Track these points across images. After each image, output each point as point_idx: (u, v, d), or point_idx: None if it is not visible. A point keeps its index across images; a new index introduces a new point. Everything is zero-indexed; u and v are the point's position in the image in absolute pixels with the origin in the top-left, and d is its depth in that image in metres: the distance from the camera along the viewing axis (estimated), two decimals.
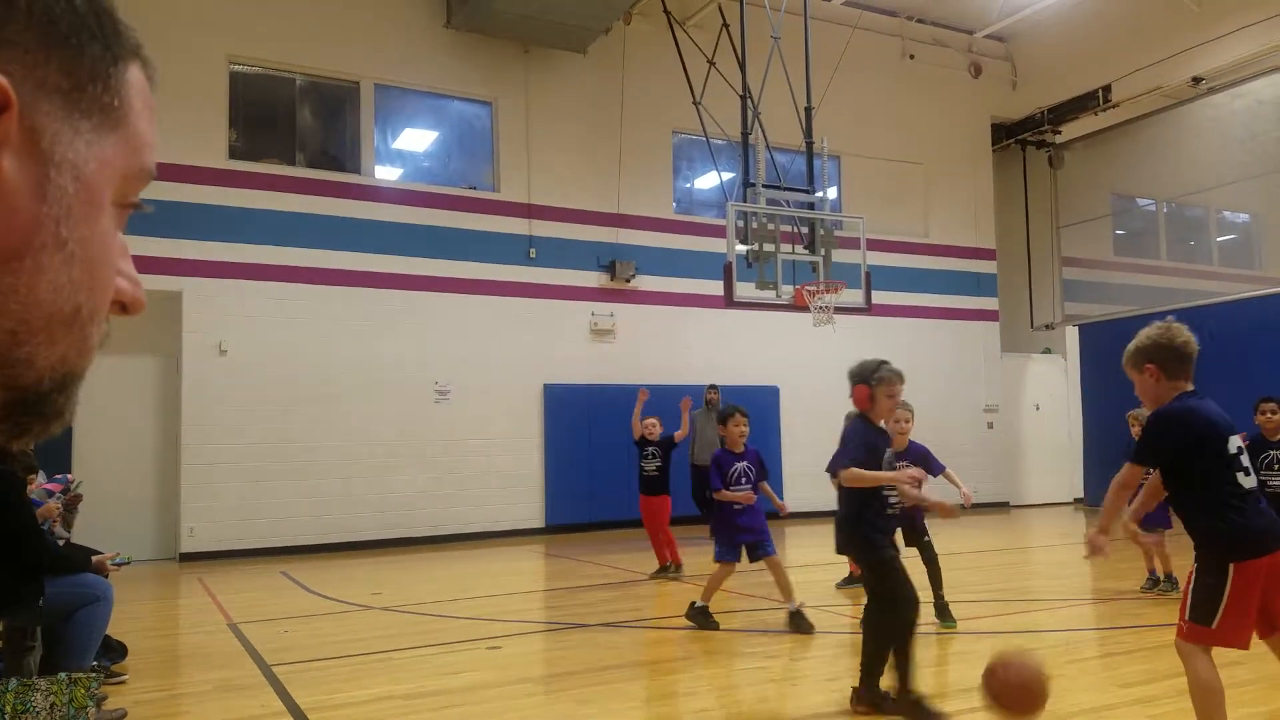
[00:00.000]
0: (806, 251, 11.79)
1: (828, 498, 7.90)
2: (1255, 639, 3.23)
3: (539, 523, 13.59)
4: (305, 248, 12.57)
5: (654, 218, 14.99)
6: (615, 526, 13.32)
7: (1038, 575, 9.99)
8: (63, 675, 3.83)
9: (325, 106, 13.68)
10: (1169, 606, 6.85)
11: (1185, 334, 3.40)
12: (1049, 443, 18.01)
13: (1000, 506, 16.86)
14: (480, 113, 14.29)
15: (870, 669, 4.43)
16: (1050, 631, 6.18)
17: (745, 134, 12.12)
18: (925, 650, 5.74)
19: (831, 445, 4.80)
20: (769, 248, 11.20)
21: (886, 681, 4.41)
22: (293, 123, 13.29)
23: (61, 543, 5.74)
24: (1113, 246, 18.21)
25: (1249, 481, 3.27)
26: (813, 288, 11.35)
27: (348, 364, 12.66)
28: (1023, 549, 12.14)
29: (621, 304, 14.52)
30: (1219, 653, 3.23)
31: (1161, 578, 7.71)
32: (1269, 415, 6.83)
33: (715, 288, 11.73)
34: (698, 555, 11.20)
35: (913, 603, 4.44)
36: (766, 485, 6.93)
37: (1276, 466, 6.77)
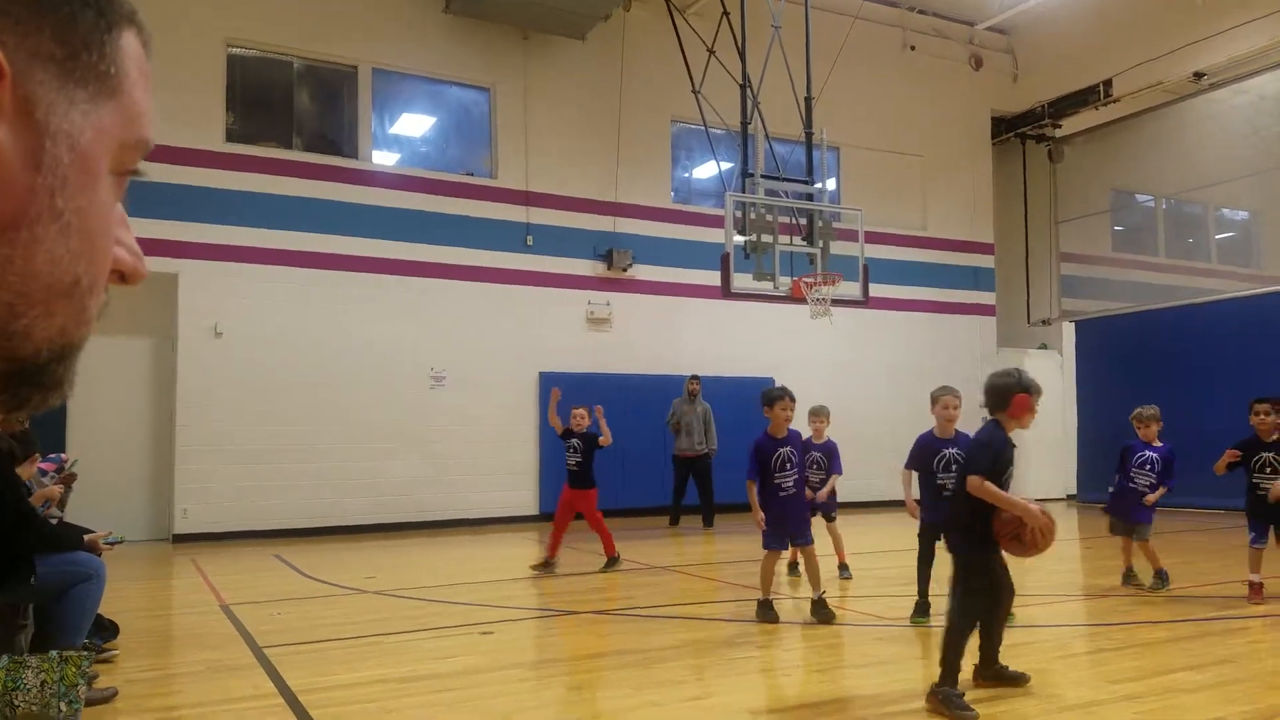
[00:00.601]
0: (804, 243, 11.79)
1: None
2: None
3: (533, 509, 13.60)
4: (302, 231, 12.55)
5: (652, 207, 14.96)
6: (607, 515, 13.28)
7: (1030, 570, 9.99)
8: (54, 653, 3.83)
9: (323, 90, 13.63)
10: (1158, 604, 6.88)
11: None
12: (1044, 438, 18.00)
13: None
14: (478, 99, 14.24)
15: (950, 664, 4.24)
16: (1041, 626, 6.20)
17: (744, 124, 12.09)
18: (914, 646, 5.76)
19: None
20: (767, 239, 11.19)
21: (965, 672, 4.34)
22: (290, 106, 13.24)
23: (55, 521, 5.73)
24: (1111, 242, 18.21)
25: None
26: (810, 279, 11.35)
27: (343, 348, 12.65)
28: None
29: (618, 293, 14.51)
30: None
31: (1149, 575, 7.67)
32: (1263, 416, 6.78)
33: (712, 278, 11.71)
34: (659, 547, 11.22)
35: (1010, 590, 4.64)
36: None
37: (1268, 470, 6.72)
